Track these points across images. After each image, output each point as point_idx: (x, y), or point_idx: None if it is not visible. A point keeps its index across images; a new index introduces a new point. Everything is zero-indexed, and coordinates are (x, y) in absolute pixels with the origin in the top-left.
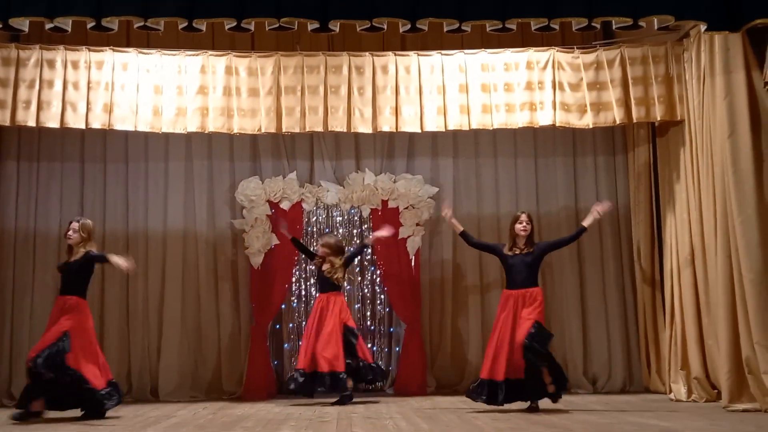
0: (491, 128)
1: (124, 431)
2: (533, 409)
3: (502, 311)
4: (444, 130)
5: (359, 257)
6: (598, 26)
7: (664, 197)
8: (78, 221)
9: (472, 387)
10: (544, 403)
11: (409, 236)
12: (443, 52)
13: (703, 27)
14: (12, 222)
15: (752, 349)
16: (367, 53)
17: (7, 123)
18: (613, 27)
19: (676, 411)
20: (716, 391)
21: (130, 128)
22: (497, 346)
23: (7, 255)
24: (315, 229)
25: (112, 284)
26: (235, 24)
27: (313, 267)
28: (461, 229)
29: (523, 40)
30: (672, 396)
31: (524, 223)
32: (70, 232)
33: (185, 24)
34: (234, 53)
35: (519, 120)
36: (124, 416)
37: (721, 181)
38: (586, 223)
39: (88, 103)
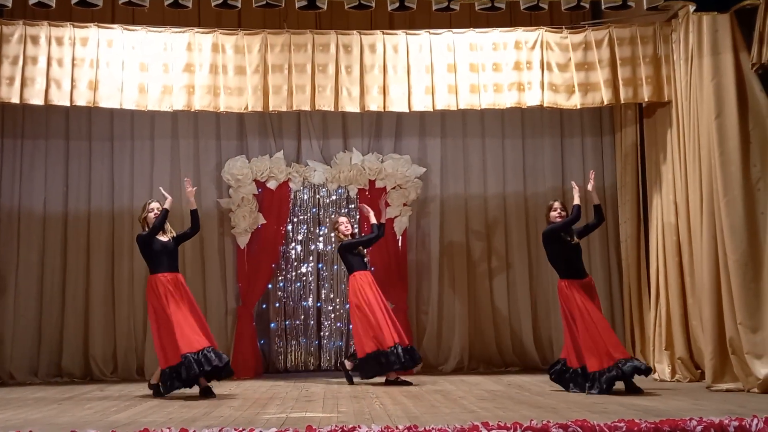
0: (479, 108)
1: (109, 410)
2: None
3: (582, 300)
4: (432, 110)
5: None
6: (587, 6)
7: (650, 178)
8: (157, 201)
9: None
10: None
11: (396, 216)
12: (431, 31)
13: (691, 7)
14: None
15: (736, 329)
16: (354, 32)
17: None
18: (602, 7)
19: (659, 390)
20: (699, 371)
21: (116, 106)
22: (603, 329)
23: None
24: (301, 209)
25: (98, 263)
26: (221, 0)
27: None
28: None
29: (512, 19)
30: (656, 376)
31: (558, 210)
32: (156, 212)
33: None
34: (220, 30)
35: (507, 100)
36: (110, 395)
37: (707, 162)
38: (577, 201)
39: (72, 80)
